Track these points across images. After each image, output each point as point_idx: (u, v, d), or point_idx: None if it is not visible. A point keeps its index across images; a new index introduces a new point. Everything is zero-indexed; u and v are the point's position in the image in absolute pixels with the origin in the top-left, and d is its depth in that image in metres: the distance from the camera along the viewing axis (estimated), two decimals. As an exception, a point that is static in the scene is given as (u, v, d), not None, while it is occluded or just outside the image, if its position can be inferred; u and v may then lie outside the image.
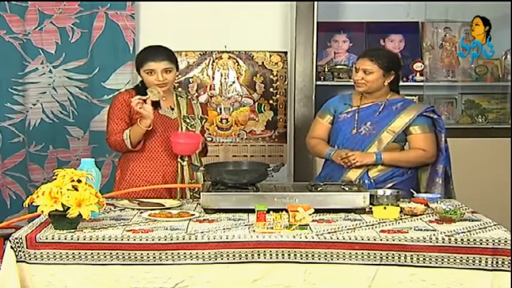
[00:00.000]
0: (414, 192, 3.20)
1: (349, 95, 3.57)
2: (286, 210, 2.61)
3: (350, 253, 2.46)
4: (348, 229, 2.59)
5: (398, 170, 3.39)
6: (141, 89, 3.41)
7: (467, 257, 2.46)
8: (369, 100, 3.45)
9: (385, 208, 2.79)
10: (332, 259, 2.46)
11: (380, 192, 3.05)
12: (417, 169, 3.47)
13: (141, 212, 2.87)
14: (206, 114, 3.64)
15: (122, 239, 2.46)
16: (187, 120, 3.48)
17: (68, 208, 2.48)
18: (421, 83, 4.77)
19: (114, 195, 3.20)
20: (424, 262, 2.46)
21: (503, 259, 2.45)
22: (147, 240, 2.46)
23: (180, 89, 3.57)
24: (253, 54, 4.70)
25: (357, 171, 3.35)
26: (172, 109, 3.47)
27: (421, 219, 2.79)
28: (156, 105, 3.38)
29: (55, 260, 2.45)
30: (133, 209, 2.96)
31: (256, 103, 4.72)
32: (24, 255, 2.45)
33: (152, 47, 3.46)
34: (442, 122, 3.43)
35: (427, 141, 3.38)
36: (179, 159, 3.42)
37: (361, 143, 3.39)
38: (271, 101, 4.72)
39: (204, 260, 2.45)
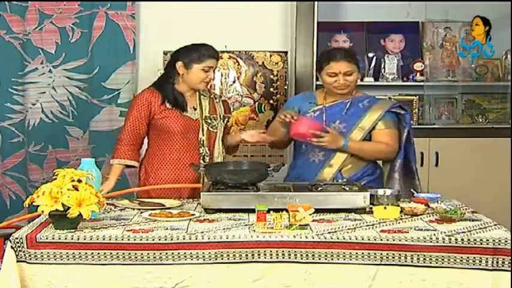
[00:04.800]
0: (415, 192, 3.20)
1: (311, 93, 3.58)
2: (287, 210, 2.61)
3: (350, 253, 2.46)
4: (348, 229, 2.59)
5: (369, 169, 3.40)
6: (167, 87, 3.41)
7: (468, 257, 2.46)
8: (334, 98, 3.44)
9: (385, 208, 2.79)
10: (332, 259, 2.46)
11: (380, 192, 3.05)
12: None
13: (142, 212, 2.88)
14: (229, 113, 3.63)
15: (122, 239, 2.46)
16: (209, 121, 3.47)
17: (68, 208, 2.48)
18: (422, 83, 4.77)
19: (115, 195, 3.20)
20: (424, 262, 2.46)
21: (504, 259, 2.45)
22: (147, 240, 2.46)
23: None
24: (254, 54, 4.70)
25: (331, 171, 3.35)
26: (195, 109, 3.47)
27: (421, 219, 2.79)
28: (182, 108, 3.39)
29: (55, 260, 2.45)
30: (134, 209, 2.96)
31: (257, 103, 4.72)
32: (25, 255, 2.45)
33: (206, 44, 3.46)
34: (408, 118, 3.45)
35: (390, 136, 3.38)
36: (201, 161, 3.41)
37: None
38: (271, 101, 4.72)
39: (204, 260, 2.45)
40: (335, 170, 3.35)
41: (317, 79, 4.55)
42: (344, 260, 2.46)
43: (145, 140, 3.52)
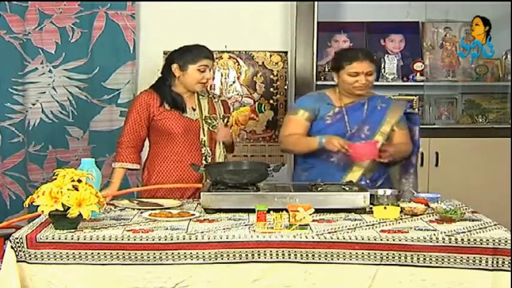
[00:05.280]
0: (414, 192, 3.20)
1: (323, 93, 3.52)
2: (287, 210, 2.61)
3: (350, 253, 2.46)
4: (348, 229, 2.59)
5: (382, 169, 3.42)
6: (165, 89, 3.41)
7: (468, 257, 2.46)
8: (351, 99, 3.44)
9: (385, 208, 2.79)
10: (332, 259, 2.46)
11: (380, 192, 3.05)
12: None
13: (141, 212, 2.88)
14: (228, 113, 3.63)
15: (122, 239, 2.46)
16: (209, 121, 3.46)
17: (68, 208, 2.48)
18: (422, 83, 4.77)
19: (115, 195, 3.20)
20: (424, 262, 2.46)
21: (504, 259, 2.45)
22: (147, 240, 2.46)
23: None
24: (254, 54, 4.70)
25: (357, 174, 3.34)
26: (194, 110, 3.46)
27: (421, 219, 2.79)
28: (181, 109, 3.39)
29: (55, 260, 2.45)
30: (134, 209, 2.96)
31: (257, 103, 4.72)
32: (25, 255, 2.45)
33: (200, 45, 3.43)
34: (417, 117, 3.59)
35: (406, 136, 3.47)
36: (203, 161, 3.41)
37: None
38: (271, 101, 4.72)
39: (204, 260, 2.45)
40: (360, 173, 3.35)
41: (317, 79, 4.57)
42: (344, 260, 2.46)
43: (146, 143, 3.52)
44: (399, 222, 2.72)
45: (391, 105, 3.47)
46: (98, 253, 2.44)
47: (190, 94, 3.46)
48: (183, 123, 3.40)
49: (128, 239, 2.46)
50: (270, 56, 4.70)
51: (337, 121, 3.41)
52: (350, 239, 2.48)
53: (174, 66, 3.39)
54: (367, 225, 2.65)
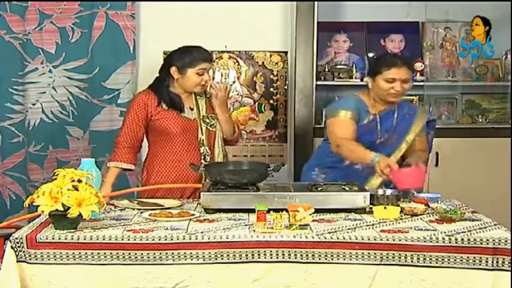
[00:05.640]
0: (415, 192, 3.20)
1: (361, 98, 3.45)
2: (287, 210, 2.61)
3: (350, 253, 2.46)
4: (348, 229, 2.59)
5: None
6: (162, 89, 3.41)
7: (468, 257, 2.46)
8: (383, 106, 3.42)
9: (385, 208, 2.80)
10: (332, 259, 2.46)
11: (380, 192, 3.05)
12: None
13: (141, 212, 2.88)
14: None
15: (122, 239, 2.46)
16: (207, 121, 3.47)
17: (68, 208, 2.48)
18: (422, 83, 4.77)
19: (116, 195, 3.20)
20: (424, 262, 2.46)
21: (504, 259, 2.45)
22: (147, 240, 2.46)
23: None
24: (254, 54, 4.70)
25: (378, 181, 3.31)
26: (192, 109, 3.47)
27: (421, 219, 2.79)
28: (179, 109, 3.40)
29: (55, 260, 2.45)
30: (134, 209, 2.96)
31: (257, 103, 4.72)
32: (25, 255, 2.45)
33: (198, 47, 3.42)
34: (434, 124, 3.61)
35: (424, 143, 3.49)
36: (202, 161, 3.41)
37: (385, 152, 3.31)
38: (271, 101, 4.72)
39: (204, 260, 2.45)
40: (380, 180, 3.31)
41: (317, 79, 4.57)
42: (344, 260, 2.46)
43: (145, 143, 3.52)
44: (399, 222, 2.72)
45: (417, 114, 3.48)
46: (98, 253, 2.45)
47: (188, 94, 3.47)
48: (181, 123, 3.40)
49: (128, 239, 2.46)
50: (270, 56, 4.70)
51: (370, 129, 3.40)
52: (350, 239, 2.48)
53: (173, 69, 3.39)
54: (367, 225, 2.65)
